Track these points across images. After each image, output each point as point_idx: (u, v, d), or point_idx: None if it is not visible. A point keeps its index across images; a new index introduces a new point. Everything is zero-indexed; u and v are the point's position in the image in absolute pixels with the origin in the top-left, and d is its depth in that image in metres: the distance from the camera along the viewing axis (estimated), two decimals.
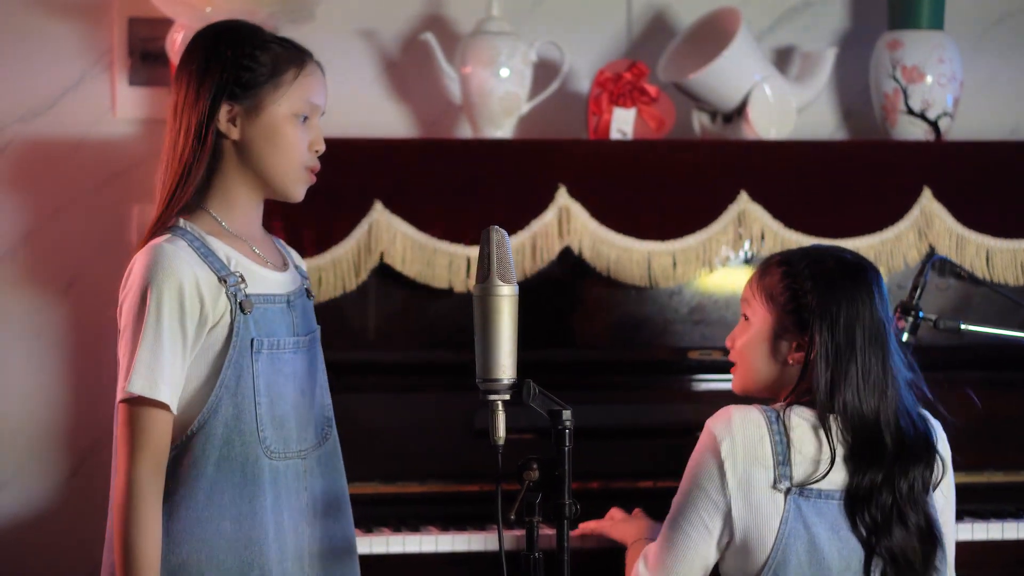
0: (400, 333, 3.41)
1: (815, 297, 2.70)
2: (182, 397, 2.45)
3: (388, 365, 3.33)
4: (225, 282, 2.47)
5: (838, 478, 2.64)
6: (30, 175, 3.71)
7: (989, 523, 3.28)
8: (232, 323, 2.46)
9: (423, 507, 3.24)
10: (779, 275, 2.75)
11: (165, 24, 3.56)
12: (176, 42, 3.49)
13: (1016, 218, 3.57)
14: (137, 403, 2.41)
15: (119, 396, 2.43)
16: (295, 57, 2.54)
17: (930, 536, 2.66)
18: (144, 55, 3.71)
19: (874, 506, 2.63)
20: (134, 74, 3.71)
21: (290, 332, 2.54)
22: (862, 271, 2.73)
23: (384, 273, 3.37)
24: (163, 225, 2.49)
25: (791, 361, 2.72)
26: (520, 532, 2.98)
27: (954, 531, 2.80)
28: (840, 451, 2.64)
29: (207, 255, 2.47)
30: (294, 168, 2.53)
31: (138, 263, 2.45)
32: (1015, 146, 3.75)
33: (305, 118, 2.53)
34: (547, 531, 2.40)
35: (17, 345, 3.69)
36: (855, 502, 2.63)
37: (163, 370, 2.40)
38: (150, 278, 2.42)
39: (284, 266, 2.60)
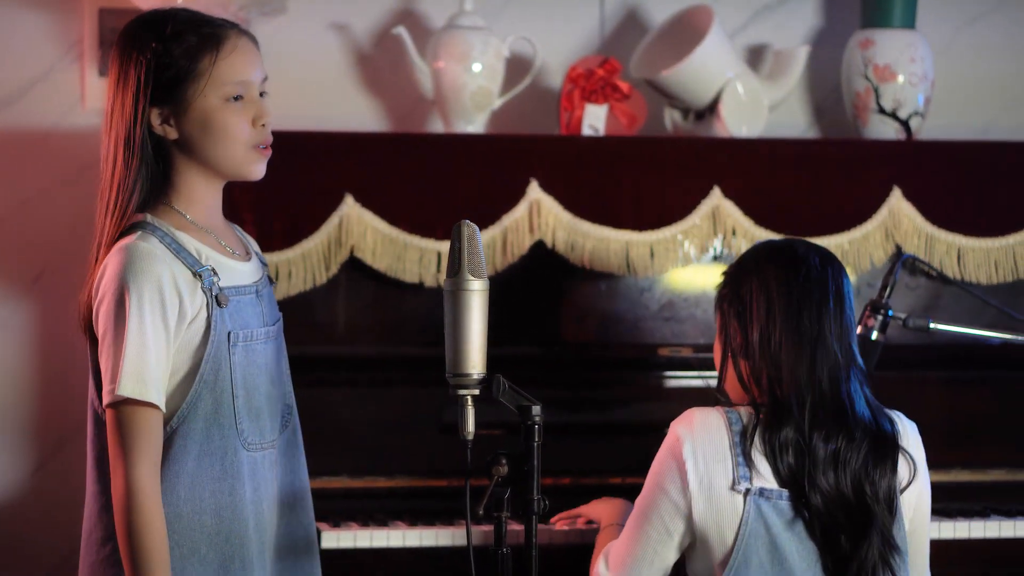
0: (369, 327, 3.40)
1: (727, 289, 2.73)
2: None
3: (357, 359, 3.32)
4: (200, 276, 2.44)
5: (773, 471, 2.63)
6: None
7: (956, 522, 3.28)
8: (209, 317, 2.44)
9: (391, 502, 3.23)
10: (720, 281, 2.78)
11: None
12: None
13: (987, 217, 3.58)
14: (127, 405, 2.38)
15: (106, 400, 2.39)
16: (209, 42, 2.45)
17: (886, 545, 2.63)
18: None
19: (815, 493, 2.60)
20: (104, 65, 3.69)
21: (260, 323, 2.53)
22: (774, 252, 2.72)
23: (354, 267, 3.36)
24: (115, 234, 2.45)
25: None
26: (488, 527, 2.97)
27: (927, 539, 2.77)
28: (759, 444, 2.63)
29: (179, 251, 2.44)
30: (239, 152, 2.47)
31: (111, 265, 2.41)
32: (986, 146, 3.76)
33: (239, 97, 2.47)
34: (516, 527, 2.39)
35: None
36: (797, 495, 2.62)
37: (150, 371, 2.37)
38: (128, 279, 2.38)
39: (247, 255, 2.57)
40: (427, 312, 3.37)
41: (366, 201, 3.35)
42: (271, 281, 2.62)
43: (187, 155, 2.48)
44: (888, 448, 2.65)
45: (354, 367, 3.30)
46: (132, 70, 2.45)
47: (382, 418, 3.28)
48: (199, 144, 2.46)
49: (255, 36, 2.53)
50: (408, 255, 3.37)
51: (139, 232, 2.44)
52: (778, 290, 2.67)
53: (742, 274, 2.72)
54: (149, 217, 2.46)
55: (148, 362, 2.37)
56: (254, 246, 2.63)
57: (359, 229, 3.35)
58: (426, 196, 3.39)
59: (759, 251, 2.76)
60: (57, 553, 3.68)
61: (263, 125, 2.48)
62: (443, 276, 3.31)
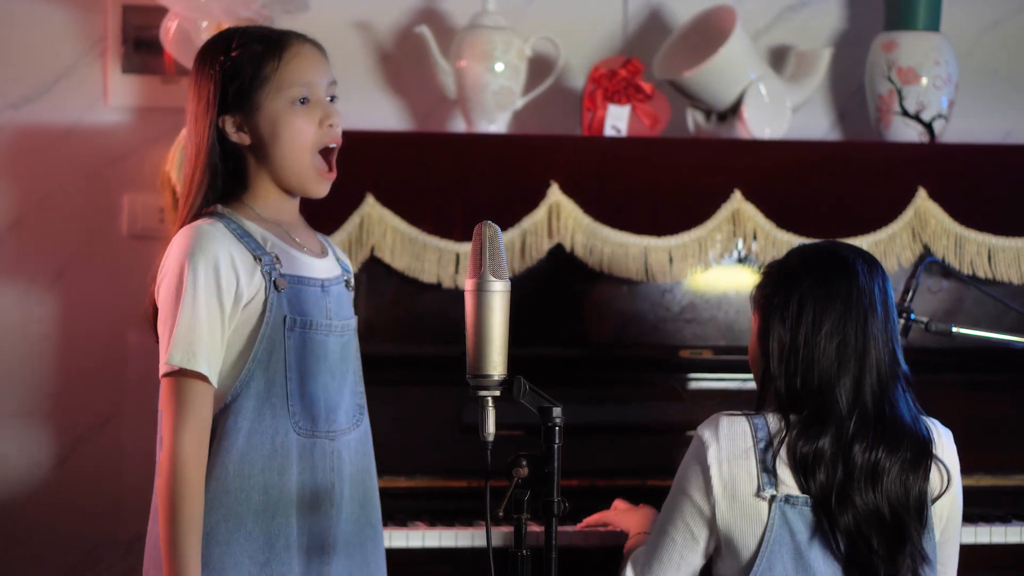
0: (389, 326, 3.40)
1: (770, 290, 2.68)
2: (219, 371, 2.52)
3: (376, 358, 3.31)
4: (260, 260, 2.53)
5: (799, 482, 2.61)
6: (20, 162, 3.69)
7: (977, 527, 3.27)
8: (266, 300, 2.53)
9: (411, 502, 3.24)
10: (759, 279, 2.74)
11: (159, 12, 3.54)
12: (170, 30, 3.47)
13: (1017, 216, 3.56)
14: (179, 376, 2.47)
15: (160, 372, 2.49)
16: (272, 47, 2.57)
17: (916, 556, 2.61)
18: (137, 43, 3.70)
19: (849, 510, 2.58)
20: (127, 62, 3.70)
21: (323, 315, 2.59)
22: (819, 256, 2.68)
23: (374, 266, 3.37)
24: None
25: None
26: (508, 529, 2.97)
27: (956, 550, 2.75)
28: (785, 452, 2.60)
29: (243, 235, 2.54)
30: (306, 160, 2.57)
31: (176, 243, 2.52)
32: (1010, 149, 3.75)
33: (305, 100, 2.56)
34: (536, 529, 2.39)
35: (5, 334, 3.68)
36: (824, 505, 2.60)
37: (201, 343, 2.47)
38: (187, 256, 2.49)
39: (323, 254, 2.65)
40: (448, 311, 3.37)
41: (387, 201, 3.36)
42: (348, 286, 2.69)
43: (259, 161, 2.58)
44: (923, 455, 2.63)
45: (373, 366, 3.28)
46: (204, 82, 2.57)
47: (402, 418, 3.28)
48: (269, 149, 2.56)
49: (321, 44, 2.62)
50: (427, 255, 3.37)
51: (206, 217, 2.55)
52: (823, 295, 2.63)
53: (785, 276, 2.67)
54: (220, 207, 2.57)
55: (199, 335, 2.47)
56: (337, 251, 2.72)
57: (379, 229, 3.35)
58: (446, 196, 3.39)
59: (805, 253, 2.72)
60: (80, 546, 3.69)
61: (330, 125, 2.58)
62: (461, 277, 3.33)
